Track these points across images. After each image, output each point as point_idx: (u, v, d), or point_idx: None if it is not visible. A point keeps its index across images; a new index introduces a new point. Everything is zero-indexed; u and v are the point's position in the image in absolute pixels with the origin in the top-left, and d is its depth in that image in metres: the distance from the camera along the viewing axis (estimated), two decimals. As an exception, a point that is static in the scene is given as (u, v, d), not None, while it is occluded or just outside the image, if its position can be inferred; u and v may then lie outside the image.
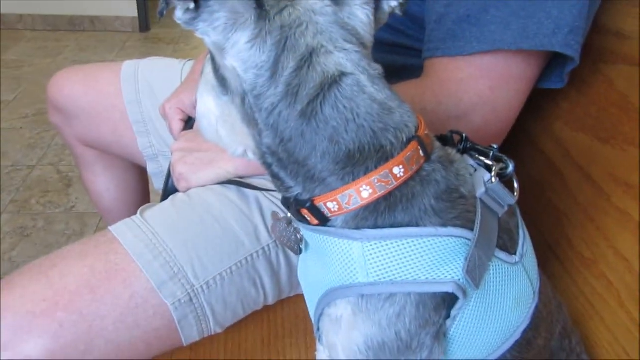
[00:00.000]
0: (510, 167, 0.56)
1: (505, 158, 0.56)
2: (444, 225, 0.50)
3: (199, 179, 0.82)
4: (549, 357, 0.63)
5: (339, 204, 0.49)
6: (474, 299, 0.51)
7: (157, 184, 1.21)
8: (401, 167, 0.49)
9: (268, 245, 0.77)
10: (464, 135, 0.59)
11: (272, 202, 0.79)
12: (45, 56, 3.39)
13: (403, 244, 0.48)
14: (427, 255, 0.49)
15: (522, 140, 0.97)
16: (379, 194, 0.48)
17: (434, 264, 0.49)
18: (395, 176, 0.48)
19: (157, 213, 0.77)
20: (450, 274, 0.49)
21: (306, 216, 0.51)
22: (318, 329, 0.57)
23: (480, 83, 0.74)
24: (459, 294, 0.49)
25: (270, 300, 0.81)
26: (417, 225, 0.49)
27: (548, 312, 0.62)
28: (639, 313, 0.66)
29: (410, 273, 0.49)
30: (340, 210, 0.49)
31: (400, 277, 0.49)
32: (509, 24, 0.71)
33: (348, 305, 0.51)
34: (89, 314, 0.66)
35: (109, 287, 0.68)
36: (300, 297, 0.87)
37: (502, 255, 0.53)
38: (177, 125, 1.03)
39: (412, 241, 0.49)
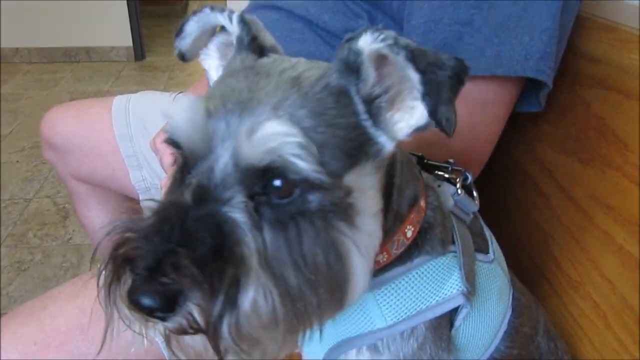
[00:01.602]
0: (469, 178, 0.60)
1: (463, 169, 0.60)
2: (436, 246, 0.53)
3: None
4: (538, 355, 0.65)
5: (388, 253, 0.50)
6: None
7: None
8: (422, 199, 0.53)
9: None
10: (420, 154, 0.62)
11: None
12: (41, 88, 3.43)
13: (409, 278, 0.51)
14: (430, 280, 0.51)
15: (508, 163, 0.99)
16: (417, 227, 0.51)
17: (437, 284, 0.51)
18: (422, 208, 0.52)
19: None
20: (455, 288, 0.52)
21: None
22: None
23: (458, 109, 0.75)
24: (467, 303, 0.52)
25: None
26: (431, 253, 0.52)
27: (527, 300, 0.65)
28: (624, 334, 0.66)
29: (422, 302, 0.51)
30: (388, 258, 0.50)
31: (415, 309, 0.51)
32: (483, 51, 0.72)
33: (366, 351, 0.52)
34: (79, 355, 0.67)
35: (98, 327, 0.68)
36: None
37: (480, 256, 0.57)
38: (168, 159, 1.04)
39: (416, 272, 0.51)
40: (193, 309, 0.38)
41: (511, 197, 0.97)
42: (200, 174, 0.41)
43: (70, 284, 0.74)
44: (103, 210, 1.30)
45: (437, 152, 0.66)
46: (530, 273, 0.87)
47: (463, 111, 0.76)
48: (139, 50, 3.92)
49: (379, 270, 0.50)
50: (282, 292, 0.39)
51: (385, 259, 0.50)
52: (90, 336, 0.68)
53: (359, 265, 0.43)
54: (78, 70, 3.76)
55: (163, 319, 0.38)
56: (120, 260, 0.40)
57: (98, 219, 1.31)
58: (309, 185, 0.40)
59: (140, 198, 1.20)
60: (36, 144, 2.67)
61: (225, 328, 0.38)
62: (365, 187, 0.44)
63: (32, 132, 2.79)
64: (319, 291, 0.41)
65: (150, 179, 1.17)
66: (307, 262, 0.40)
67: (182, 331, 0.39)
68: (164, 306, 0.37)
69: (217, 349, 0.39)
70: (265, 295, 0.39)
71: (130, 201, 1.32)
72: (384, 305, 0.50)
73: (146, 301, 0.37)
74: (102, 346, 0.65)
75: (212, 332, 0.38)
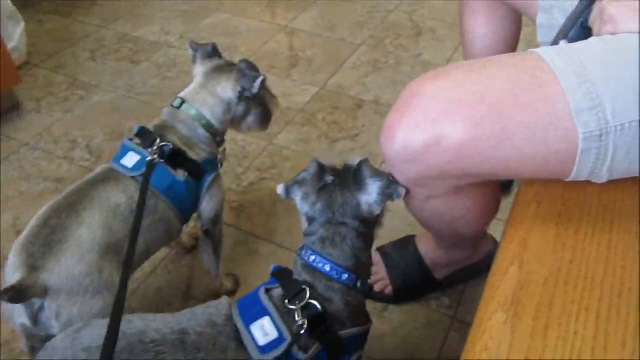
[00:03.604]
0: None
1: None
2: None
3: (633, 24, 0.77)
4: None
5: None
6: None
7: (541, 36, 1.19)
8: None
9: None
10: None
11: None
12: None
13: None
14: None
15: None
16: None
17: None
18: None
19: (584, 46, 0.76)
20: None
21: None
22: None
23: None
24: None
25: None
26: None
27: None
28: None
29: None
30: None
31: None
32: None
33: None
34: (507, 117, 0.72)
35: (530, 98, 0.72)
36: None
37: None
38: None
39: None
40: None
41: None
42: None
43: (507, 56, 0.78)
44: (490, 24, 1.31)
45: None
46: None
47: None
48: None
49: None
50: None
51: None
52: (520, 104, 0.72)
53: None
54: None
55: None
56: None
57: (481, 31, 1.33)
58: None
59: (538, 16, 1.16)
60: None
61: None
62: None
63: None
64: None
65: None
66: None
67: None
68: None
69: None
70: None
71: (518, 22, 1.31)
72: None
73: None
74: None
75: None
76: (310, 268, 0.83)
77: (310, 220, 0.87)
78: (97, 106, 1.93)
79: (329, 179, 0.86)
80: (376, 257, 1.36)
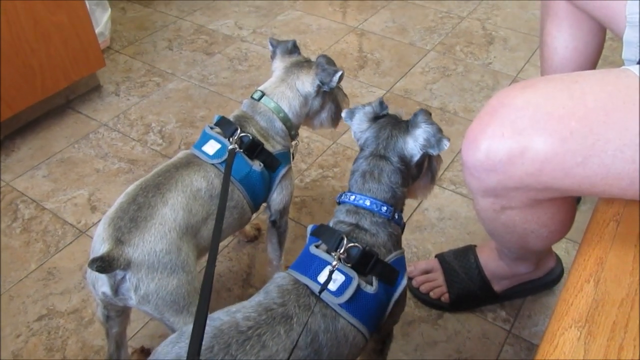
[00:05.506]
0: None
1: None
2: None
3: None
4: None
5: None
6: None
7: (627, 53, 1.15)
8: None
9: None
10: None
11: None
12: None
13: None
14: None
15: None
16: None
17: None
18: None
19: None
20: None
21: None
22: None
23: None
24: None
25: None
26: None
27: None
28: None
29: None
30: None
31: None
32: None
33: None
34: (597, 133, 0.71)
35: (622, 116, 0.71)
36: None
37: None
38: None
39: None
40: None
41: None
42: None
43: (599, 72, 0.77)
44: (572, 35, 1.29)
45: None
46: None
47: None
48: None
49: None
50: None
51: None
52: (612, 121, 0.71)
53: None
54: None
55: None
56: None
57: (562, 42, 1.30)
58: None
59: (625, 32, 1.14)
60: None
61: None
62: None
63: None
64: None
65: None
66: None
67: None
68: None
69: None
70: None
71: (602, 35, 1.28)
72: None
73: None
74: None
75: None
76: (353, 208, 0.89)
77: (360, 150, 0.94)
78: (171, 93, 2.01)
79: (385, 112, 0.95)
80: (435, 264, 1.36)
